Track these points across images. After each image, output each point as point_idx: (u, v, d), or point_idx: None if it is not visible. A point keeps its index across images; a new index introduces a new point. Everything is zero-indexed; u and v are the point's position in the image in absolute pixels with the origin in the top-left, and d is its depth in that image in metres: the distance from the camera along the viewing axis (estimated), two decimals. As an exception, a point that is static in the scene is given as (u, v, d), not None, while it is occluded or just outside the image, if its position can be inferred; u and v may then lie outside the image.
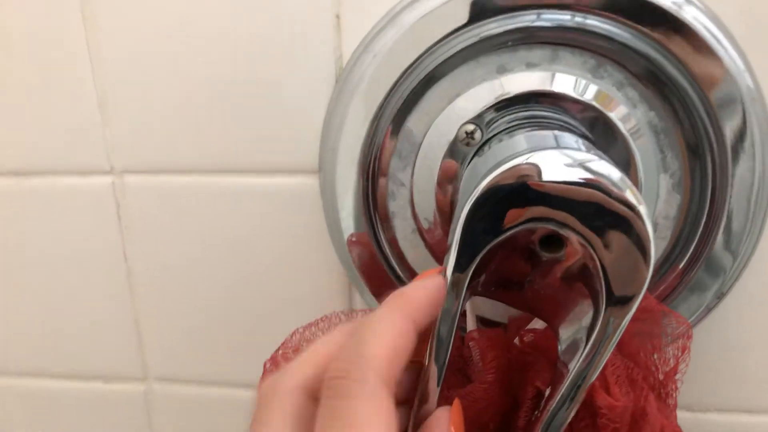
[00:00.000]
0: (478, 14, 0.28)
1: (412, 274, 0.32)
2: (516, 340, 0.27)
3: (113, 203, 0.37)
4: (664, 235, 0.30)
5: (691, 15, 0.28)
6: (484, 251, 0.22)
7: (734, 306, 0.33)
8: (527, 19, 0.28)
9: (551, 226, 0.22)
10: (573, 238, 0.22)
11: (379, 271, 0.33)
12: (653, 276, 0.31)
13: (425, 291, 0.22)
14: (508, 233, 0.22)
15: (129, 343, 0.40)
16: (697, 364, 0.34)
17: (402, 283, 0.32)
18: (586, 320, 0.23)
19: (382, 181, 0.31)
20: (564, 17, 0.28)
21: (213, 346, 0.39)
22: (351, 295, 0.36)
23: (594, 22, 0.28)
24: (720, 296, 0.31)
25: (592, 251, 0.22)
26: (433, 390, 0.23)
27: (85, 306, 0.39)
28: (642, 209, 0.22)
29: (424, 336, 0.23)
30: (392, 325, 0.20)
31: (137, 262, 0.38)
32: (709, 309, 0.31)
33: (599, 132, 0.29)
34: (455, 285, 0.23)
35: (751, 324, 0.33)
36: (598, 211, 0.22)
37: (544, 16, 0.28)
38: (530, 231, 0.23)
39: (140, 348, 0.40)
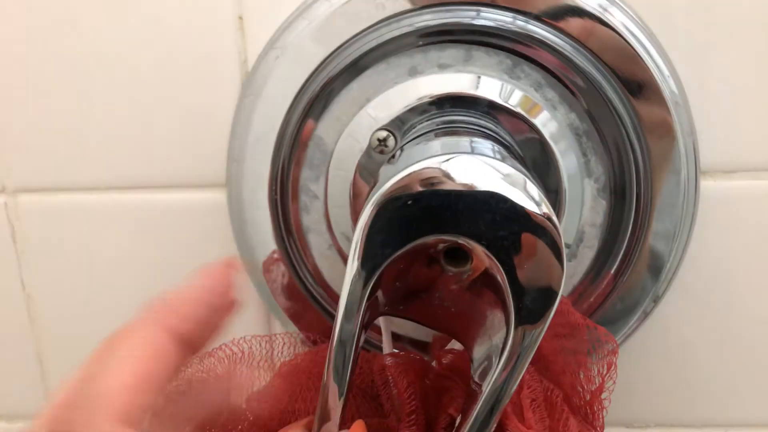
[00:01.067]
0: (402, 7, 0.26)
1: (329, 293, 0.30)
2: (434, 363, 0.25)
3: (7, 226, 0.33)
4: (591, 243, 0.29)
5: (616, 18, 0.26)
6: (385, 264, 0.20)
7: (671, 311, 0.31)
8: (466, 15, 0.26)
9: (454, 238, 0.20)
10: (478, 249, 0.20)
11: (295, 291, 0.30)
12: (584, 285, 0.30)
13: (190, 293, 0.19)
14: (410, 245, 0.20)
15: (31, 379, 0.36)
16: (635, 376, 0.33)
17: (318, 304, 0.30)
18: (500, 336, 0.21)
19: (293, 194, 0.29)
20: (506, 19, 0.26)
21: (124, 378, 0.36)
22: (270, 319, 0.33)
23: (535, 28, 0.26)
24: (656, 299, 0.29)
25: (498, 264, 0.20)
26: (335, 407, 0.21)
27: (-17, 339, 0.36)
28: (553, 218, 0.20)
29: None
30: (142, 345, 0.17)
31: (37, 290, 0.35)
32: (645, 314, 0.30)
33: (520, 136, 0.28)
34: (350, 310, 0.20)
35: (689, 330, 0.32)
36: (507, 221, 0.20)
37: (483, 14, 0.26)
38: (433, 242, 0.21)
39: (44, 383, 0.36)
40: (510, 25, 0.26)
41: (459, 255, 0.21)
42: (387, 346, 0.26)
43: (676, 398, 0.33)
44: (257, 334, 0.29)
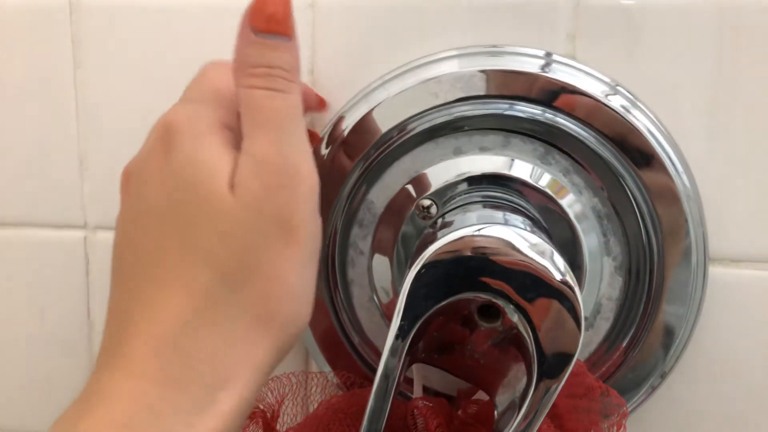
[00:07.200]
0: (449, 99, 0.31)
1: (367, 343, 0.33)
2: (459, 411, 0.28)
3: (83, 258, 0.37)
4: (607, 316, 0.32)
5: (638, 119, 0.30)
6: (425, 317, 0.24)
7: (678, 388, 0.34)
8: (500, 107, 0.30)
9: (488, 296, 0.23)
10: (509, 308, 0.23)
11: (334, 337, 0.33)
12: (598, 355, 0.32)
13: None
14: (447, 301, 0.23)
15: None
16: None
17: (357, 353, 0.33)
18: (520, 388, 0.24)
19: (342, 248, 0.33)
20: (536, 111, 0.30)
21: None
22: (308, 360, 0.36)
23: (561, 120, 0.30)
24: (663, 375, 0.32)
25: (526, 323, 0.23)
26: None
27: (42, 359, 0.39)
28: (575, 287, 0.23)
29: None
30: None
31: (101, 320, 0.38)
32: (653, 388, 0.32)
33: (548, 215, 0.31)
34: (395, 350, 0.24)
35: (694, 408, 0.34)
36: (534, 286, 0.23)
37: (516, 107, 0.30)
38: (469, 300, 0.24)
39: (93, 405, 0.39)
40: (540, 117, 0.30)
41: (491, 312, 0.24)
42: (417, 392, 0.29)
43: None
44: (296, 372, 0.33)
